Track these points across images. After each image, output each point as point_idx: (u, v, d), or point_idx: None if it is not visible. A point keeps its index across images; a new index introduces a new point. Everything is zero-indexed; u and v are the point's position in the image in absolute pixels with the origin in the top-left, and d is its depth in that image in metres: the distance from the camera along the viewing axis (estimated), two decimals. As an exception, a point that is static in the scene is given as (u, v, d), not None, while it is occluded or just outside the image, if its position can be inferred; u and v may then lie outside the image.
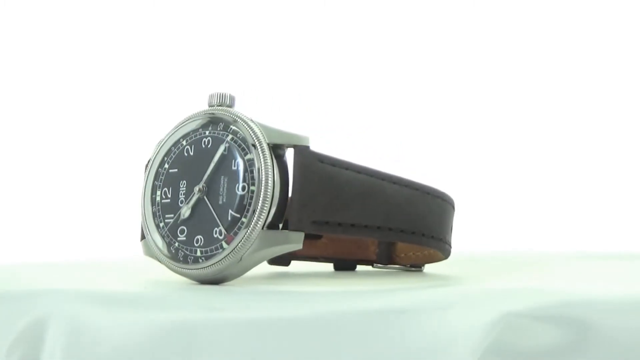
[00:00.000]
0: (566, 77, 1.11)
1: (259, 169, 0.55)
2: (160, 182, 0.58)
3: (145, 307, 0.49)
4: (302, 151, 0.56)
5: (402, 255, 0.69)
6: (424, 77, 1.07)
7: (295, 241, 0.55)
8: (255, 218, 0.54)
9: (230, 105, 0.58)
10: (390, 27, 1.05)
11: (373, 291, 0.56)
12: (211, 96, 0.57)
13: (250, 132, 0.55)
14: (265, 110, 0.95)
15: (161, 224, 0.57)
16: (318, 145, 0.60)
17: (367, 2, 1.04)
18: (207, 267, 0.55)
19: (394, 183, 0.60)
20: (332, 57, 1.03)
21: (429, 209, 0.62)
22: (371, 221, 0.58)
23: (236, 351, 0.43)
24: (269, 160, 0.55)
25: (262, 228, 0.54)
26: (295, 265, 0.70)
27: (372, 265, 0.70)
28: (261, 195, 0.54)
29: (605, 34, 1.10)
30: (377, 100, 1.04)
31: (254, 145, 0.55)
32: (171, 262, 0.56)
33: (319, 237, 0.66)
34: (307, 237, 0.58)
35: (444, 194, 0.64)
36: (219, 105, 0.57)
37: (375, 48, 1.05)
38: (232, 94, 0.58)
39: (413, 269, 0.69)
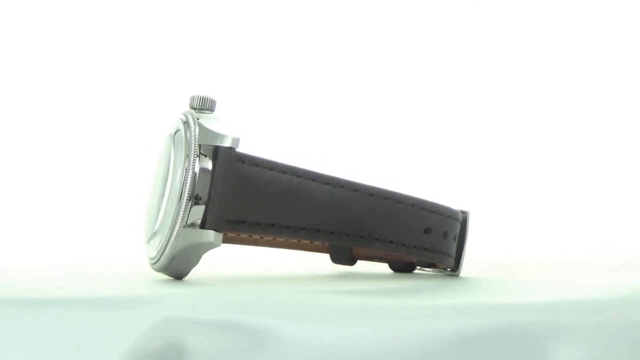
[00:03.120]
0: (572, 80, 1.03)
1: (185, 170, 0.56)
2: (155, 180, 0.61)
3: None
4: (223, 152, 0.56)
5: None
6: (440, 86, 1.02)
7: (210, 239, 0.56)
8: (180, 218, 0.56)
9: (210, 109, 0.59)
10: (395, 32, 1.01)
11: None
12: (191, 98, 0.59)
13: (193, 134, 0.57)
14: (261, 112, 0.95)
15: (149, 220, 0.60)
16: (324, 150, 0.60)
17: (370, 3, 1.00)
18: (155, 264, 0.58)
19: (327, 184, 0.58)
20: (336, 59, 1.00)
21: (370, 211, 0.60)
22: (294, 221, 0.58)
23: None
24: (195, 162, 0.56)
25: (184, 226, 0.56)
26: (360, 265, 0.71)
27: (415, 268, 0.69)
28: (185, 196, 0.56)
29: (605, 36, 1.01)
30: (380, 103, 1.00)
31: (187, 148, 0.57)
32: (147, 257, 0.59)
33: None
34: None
35: (423, 200, 0.62)
36: (200, 109, 0.59)
37: (379, 50, 1.01)
38: (213, 97, 0.59)
39: (451, 273, 0.67)
